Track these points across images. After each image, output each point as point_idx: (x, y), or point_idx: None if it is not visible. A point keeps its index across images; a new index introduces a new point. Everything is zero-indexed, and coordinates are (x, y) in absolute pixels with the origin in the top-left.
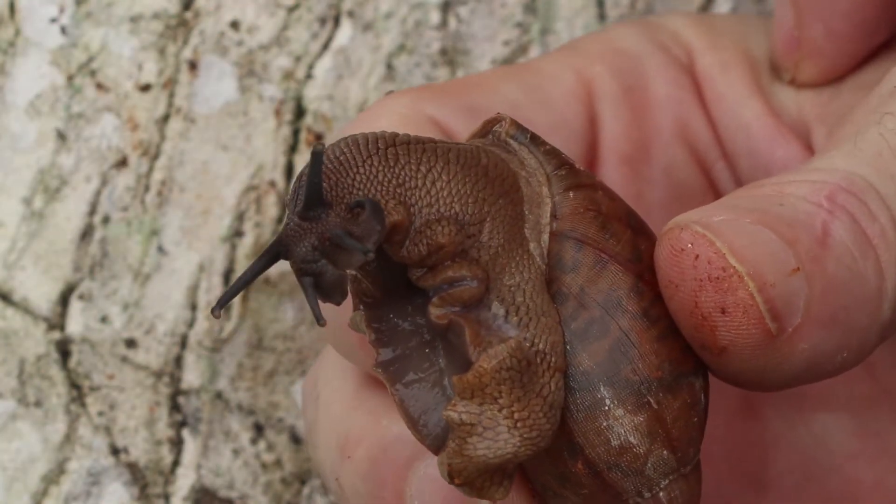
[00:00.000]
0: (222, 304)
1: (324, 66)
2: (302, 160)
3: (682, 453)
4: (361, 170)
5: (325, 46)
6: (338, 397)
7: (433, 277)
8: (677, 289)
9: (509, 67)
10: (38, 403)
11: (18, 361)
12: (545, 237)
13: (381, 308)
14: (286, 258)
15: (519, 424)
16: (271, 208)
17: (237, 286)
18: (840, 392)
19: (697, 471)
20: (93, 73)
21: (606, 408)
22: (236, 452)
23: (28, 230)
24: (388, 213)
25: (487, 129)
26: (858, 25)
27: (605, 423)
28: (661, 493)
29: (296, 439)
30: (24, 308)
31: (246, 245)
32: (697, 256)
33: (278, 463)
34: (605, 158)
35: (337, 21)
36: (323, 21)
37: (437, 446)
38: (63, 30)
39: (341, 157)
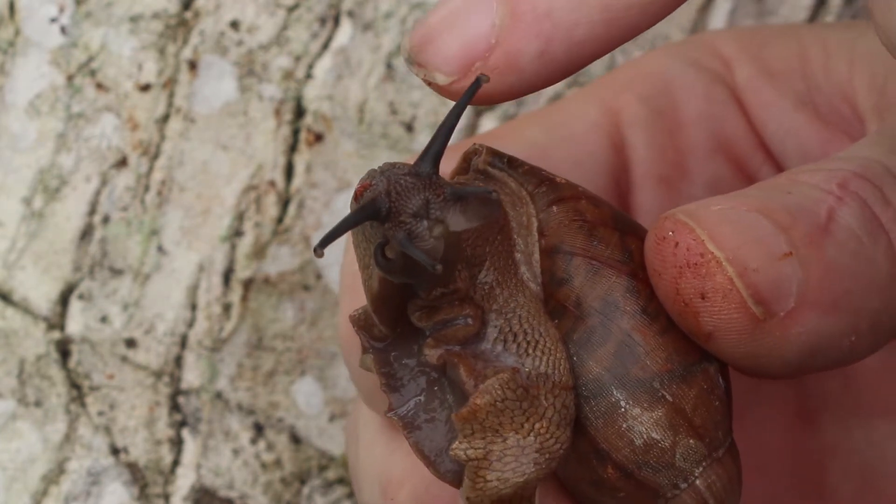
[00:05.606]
0: (324, 244)
1: (324, 65)
2: (302, 160)
3: (710, 438)
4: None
5: (325, 46)
6: (378, 438)
7: (428, 318)
8: (660, 277)
9: (536, 111)
10: (38, 403)
11: (18, 361)
12: (536, 257)
13: (389, 350)
14: (386, 214)
15: (527, 451)
16: (271, 208)
17: (340, 229)
18: None
19: (732, 452)
20: (93, 73)
21: (623, 409)
22: (236, 452)
23: (28, 230)
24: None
25: (467, 161)
26: None
27: (624, 425)
28: (697, 482)
29: (295, 439)
30: (24, 308)
31: (246, 245)
32: (677, 244)
33: (278, 463)
34: (640, 183)
35: (337, 21)
36: (323, 21)
37: (457, 482)
38: (63, 30)
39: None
